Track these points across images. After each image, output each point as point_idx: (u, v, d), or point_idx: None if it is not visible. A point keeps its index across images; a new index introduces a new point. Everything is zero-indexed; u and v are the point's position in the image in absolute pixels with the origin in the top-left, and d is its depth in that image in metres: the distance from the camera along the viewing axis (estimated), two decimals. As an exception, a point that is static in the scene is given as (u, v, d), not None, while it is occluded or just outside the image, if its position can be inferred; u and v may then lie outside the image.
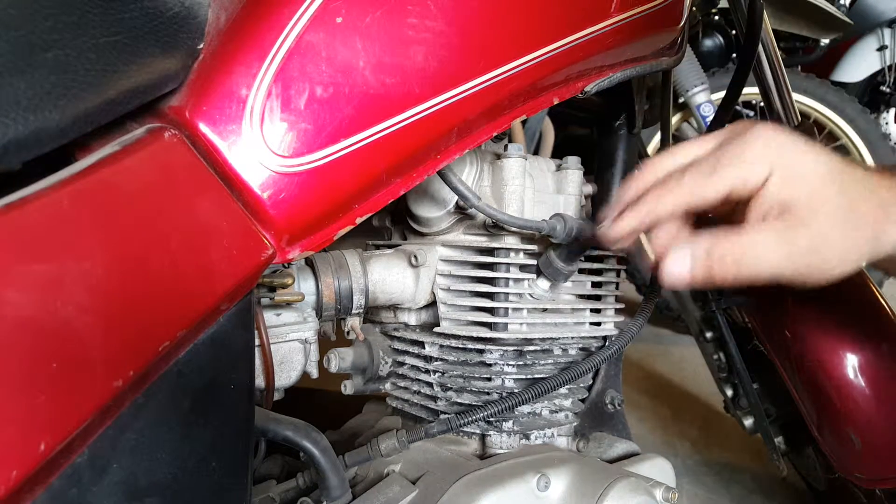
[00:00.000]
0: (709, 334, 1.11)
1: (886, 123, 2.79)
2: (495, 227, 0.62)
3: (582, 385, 0.71)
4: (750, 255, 0.44)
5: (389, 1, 0.45)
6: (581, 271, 0.68)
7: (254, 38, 0.41)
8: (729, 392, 1.13)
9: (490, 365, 0.63)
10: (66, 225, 0.32)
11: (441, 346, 0.66)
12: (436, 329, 0.64)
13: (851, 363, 0.82)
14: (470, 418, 0.58)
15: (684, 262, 0.46)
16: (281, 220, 0.42)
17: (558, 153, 0.80)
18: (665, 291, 0.80)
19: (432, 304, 0.67)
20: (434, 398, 0.65)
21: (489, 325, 0.62)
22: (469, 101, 0.49)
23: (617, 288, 0.72)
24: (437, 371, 0.65)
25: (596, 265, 0.70)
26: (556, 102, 0.57)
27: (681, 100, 2.24)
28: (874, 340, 0.83)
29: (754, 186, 0.45)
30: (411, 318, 0.69)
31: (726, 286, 0.47)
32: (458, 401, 0.64)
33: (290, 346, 0.56)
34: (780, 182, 0.45)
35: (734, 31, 2.36)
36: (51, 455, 0.29)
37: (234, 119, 0.40)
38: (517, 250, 0.62)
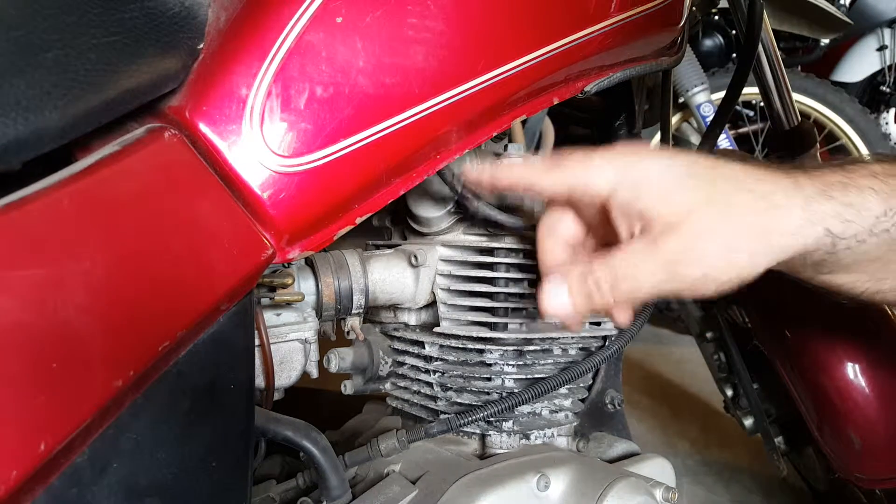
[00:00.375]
0: (709, 334, 1.11)
1: (886, 123, 2.78)
2: (495, 227, 0.62)
3: (582, 385, 0.71)
4: (624, 276, 0.43)
5: (389, 1, 0.45)
6: (581, 271, 0.68)
7: (254, 38, 0.41)
8: (729, 392, 1.13)
9: (490, 365, 0.63)
10: (66, 225, 0.32)
11: (441, 346, 0.66)
12: (436, 329, 0.64)
13: (851, 363, 0.82)
14: (470, 418, 0.58)
15: (561, 293, 0.45)
16: (281, 219, 0.42)
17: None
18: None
19: (432, 304, 0.67)
20: (434, 398, 0.65)
21: (489, 325, 0.62)
22: (469, 101, 0.49)
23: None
24: (437, 371, 0.65)
25: (596, 265, 0.70)
26: (556, 102, 0.58)
27: (681, 100, 2.24)
28: (874, 340, 0.83)
29: (596, 193, 0.44)
30: (411, 318, 0.69)
31: (609, 311, 0.45)
32: (458, 401, 0.64)
33: (290, 346, 0.56)
34: (628, 191, 0.43)
35: (734, 31, 2.36)
36: (51, 455, 0.29)
37: (234, 119, 0.40)
38: (517, 250, 0.62)
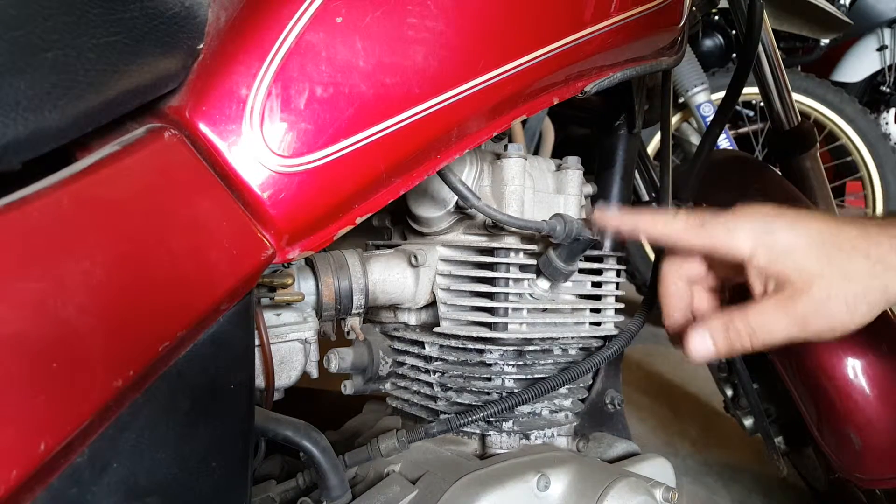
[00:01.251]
0: (709, 334, 1.10)
1: (886, 123, 2.79)
2: (495, 227, 0.62)
3: (582, 385, 0.71)
4: (760, 328, 0.50)
5: (389, 1, 0.45)
6: (581, 271, 0.68)
7: (254, 38, 0.41)
8: (729, 392, 1.13)
9: (490, 365, 0.63)
10: (66, 225, 0.32)
11: (441, 346, 0.66)
12: (436, 329, 0.64)
13: (851, 363, 0.82)
14: (470, 418, 0.58)
15: (705, 342, 0.52)
16: (281, 219, 0.42)
17: (558, 153, 0.80)
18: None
19: (432, 304, 0.67)
20: (434, 398, 0.65)
21: (489, 325, 0.62)
22: (469, 101, 0.49)
23: (617, 288, 0.72)
24: (437, 371, 0.65)
25: (596, 265, 0.70)
26: (556, 102, 0.57)
27: (681, 100, 2.24)
28: (874, 340, 0.83)
29: (737, 256, 0.51)
30: (411, 318, 0.69)
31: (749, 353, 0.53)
32: (458, 401, 0.64)
33: (290, 346, 0.56)
34: (764, 258, 0.50)
35: (734, 31, 2.36)
36: (51, 455, 0.29)
37: (234, 119, 0.40)
38: (517, 250, 0.62)
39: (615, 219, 0.57)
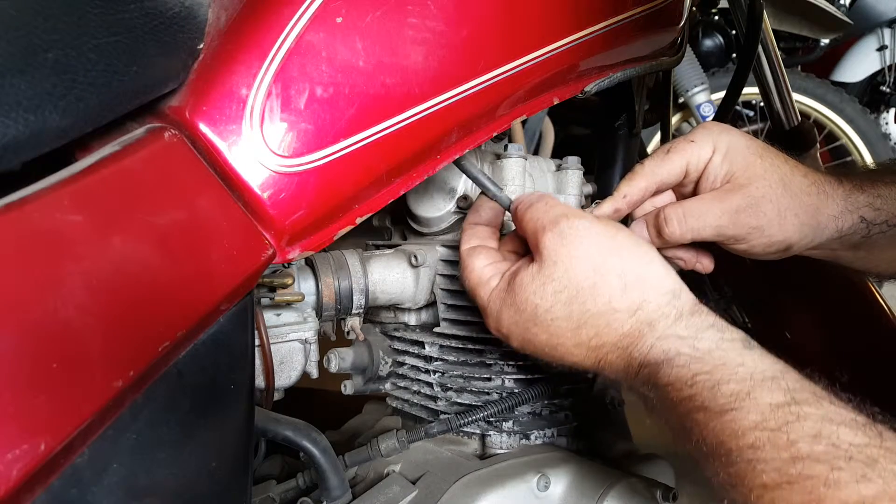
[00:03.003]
0: (709, 334, 1.10)
1: (886, 123, 2.79)
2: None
3: (582, 385, 0.71)
4: (691, 213, 0.52)
5: (389, 1, 0.45)
6: (581, 271, 0.68)
7: (254, 38, 0.41)
8: (729, 392, 1.12)
9: (490, 365, 0.63)
10: (66, 225, 0.32)
11: (441, 346, 0.65)
12: (436, 329, 0.64)
13: (851, 363, 0.82)
14: (470, 418, 0.58)
15: (641, 227, 0.55)
16: (281, 220, 0.42)
17: (558, 153, 0.80)
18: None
19: (432, 304, 0.67)
20: (434, 398, 0.65)
21: (489, 325, 0.62)
22: (469, 101, 0.49)
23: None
24: (437, 371, 0.65)
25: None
26: (556, 102, 0.57)
27: (681, 100, 2.25)
28: (874, 341, 0.83)
29: (703, 163, 0.54)
30: (411, 318, 0.69)
31: (678, 243, 0.55)
32: (458, 401, 0.64)
33: (290, 346, 0.56)
34: (720, 156, 0.53)
35: (734, 31, 2.36)
36: (51, 455, 0.29)
37: (234, 119, 0.40)
38: (517, 250, 0.62)
39: (608, 209, 0.57)
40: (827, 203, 0.53)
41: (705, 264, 0.58)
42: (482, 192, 0.55)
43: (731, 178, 0.53)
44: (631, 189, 0.55)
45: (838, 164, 2.41)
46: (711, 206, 0.52)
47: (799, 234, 0.53)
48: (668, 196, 0.58)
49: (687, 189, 0.57)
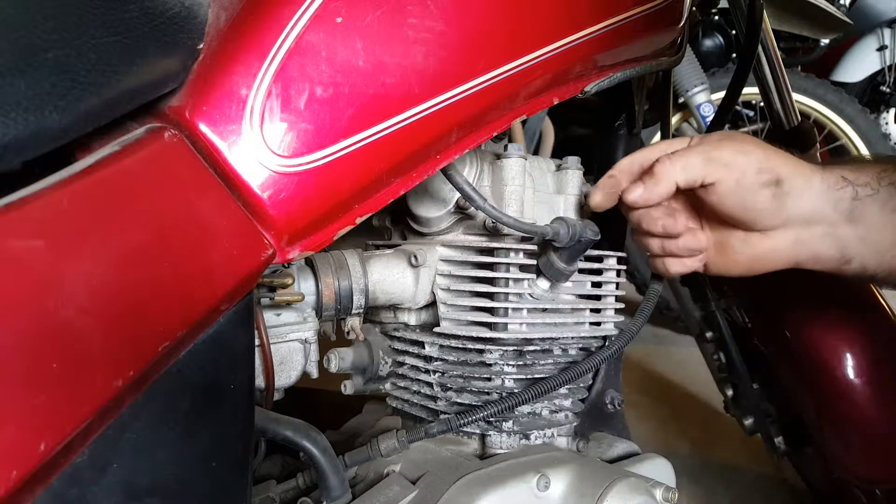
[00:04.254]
0: (709, 334, 1.11)
1: (886, 123, 2.79)
2: (495, 227, 0.62)
3: (582, 385, 0.71)
4: (677, 156, 0.57)
5: (389, 1, 0.45)
6: (581, 271, 0.68)
7: (254, 38, 0.41)
8: (729, 392, 1.13)
9: (490, 365, 0.63)
10: (66, 225, 0.32)
11: (441, 346, 0.66)
12: (436, 329, 0.64)
13: (851, 363, 0.82)
14: (470, 418, 0.58)
15: (627, 162, 0.61)
16: (281, 219, 0.42)
17: (558, 153, 0.80)
18: (665, 291, 0.80)
19: (432, 304, 0.67)
20: (434, 398, 0.65)
21: (489, 325, 0.62)
22: (469, 101, 0.49)
23: (617, 288, 0.72)
24: (437, 371, 0.65)
25: (596, 265, 0.70)
26: (556, 102, 0.57)
27: (681, 100, 2.24)
28: (874, 340, 0.83)
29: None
30: (411, 318, 0.69)
31: (658, 198, 0.59)
32: (458, 401, 0.64)
33: (290, 346, 0.56)
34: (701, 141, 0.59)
35: (734, 31, 2.36)
36: (51, 455, 0.29)
37: (234, 119, 0.40)
38: (517, 250, 0.62)
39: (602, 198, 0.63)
40: (801, 163, 0.57)
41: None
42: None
43: (705, 141, 0.59)
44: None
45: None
46: (694, 155, 0.57)
47: (770, 193, 0.56)
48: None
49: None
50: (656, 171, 0.57)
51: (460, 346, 0.64)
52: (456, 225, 0.66)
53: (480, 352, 0.63)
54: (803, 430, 0.91)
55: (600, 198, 0.63)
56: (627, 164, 0.62)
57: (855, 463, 0.84)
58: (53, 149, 0.34)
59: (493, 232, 0.63)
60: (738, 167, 0.56)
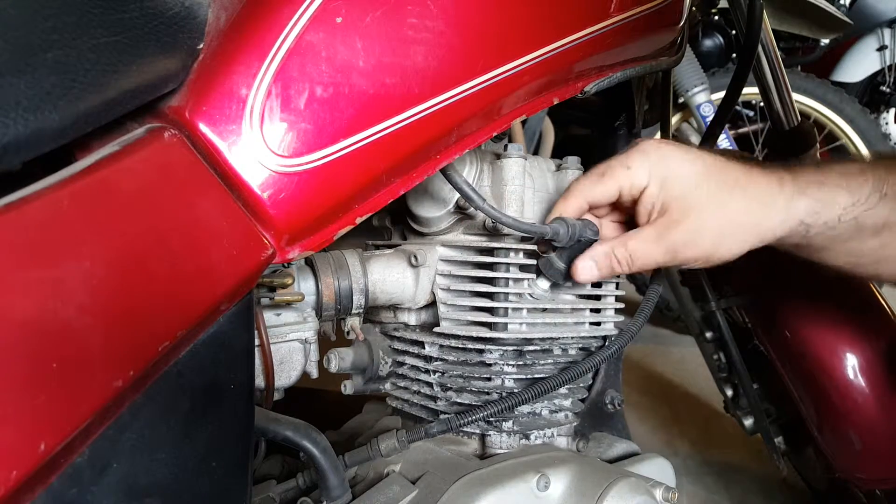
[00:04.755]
0: (709, 334, 1.11)
1: (886, 123, 2.79)
2: (495, 227, 0.62)
3: (582, 385, 0.71)
4: (636, 254, 0.56)
5: (389, 1, 0.45)
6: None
7: (254, 38, 0.41)
8: (729, 392, 1.13)
9: (490, 365, 0.63)
10: (66, 225, 0.32)
11: (441, 346, 0.66)
12: (436, 329, 0.64)
13: (851, 363, 0.82)
14: (470, 418, 0.58)
15: (591, 268, 0.58)
16: (281, 219, 0.42)
17: (558, 153, 0.80)
18: (665, 291, 0.80)
19: (432, 304, 0.67)
20: (434, 398, 0.65)
21: (489, 325, 0.62)
22: (469, 101, 0.49)
23: (617, 288, 0.72)
24: (437, 371, 0.65)
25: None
26: (556, 102, 0.57)
27: (681, 100, 2.24)
28: (874, 340, 0.83)
29: (638, 190, 0.56)
30: (411, 318, 0.69)
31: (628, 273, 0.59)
32: (458, 401, 0.64)
33: (290, 346, 0.56)
34: (656, 186, 0.55)
35: (734, 31, 2.36)
36: (51, 455, 0.29)
37: (234, 119, 0.40)
38: (517, 250, 0.62)
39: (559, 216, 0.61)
40: (768, 216, 0.55)
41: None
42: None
43: (667, 211, 0.55)
44: (566, 208, 0.58)
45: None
46: (652, 247, 0.56)
47: (739, 248, 0.55)
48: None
49: (625, 205, 0.59)
50: (621, 272, 0.58)
51: (460, 345, 0.64)
52: (456, 225, 0.66)
53: (480, 352, 0.63)
54: (803, 430, 0.91)
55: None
56: (573, 213, 0.59)
57: (855, 463, 0.84)
58: (53, 149, 0.34)
59: (492, 232, 0.63)
60: (709, 256, 0.55)
